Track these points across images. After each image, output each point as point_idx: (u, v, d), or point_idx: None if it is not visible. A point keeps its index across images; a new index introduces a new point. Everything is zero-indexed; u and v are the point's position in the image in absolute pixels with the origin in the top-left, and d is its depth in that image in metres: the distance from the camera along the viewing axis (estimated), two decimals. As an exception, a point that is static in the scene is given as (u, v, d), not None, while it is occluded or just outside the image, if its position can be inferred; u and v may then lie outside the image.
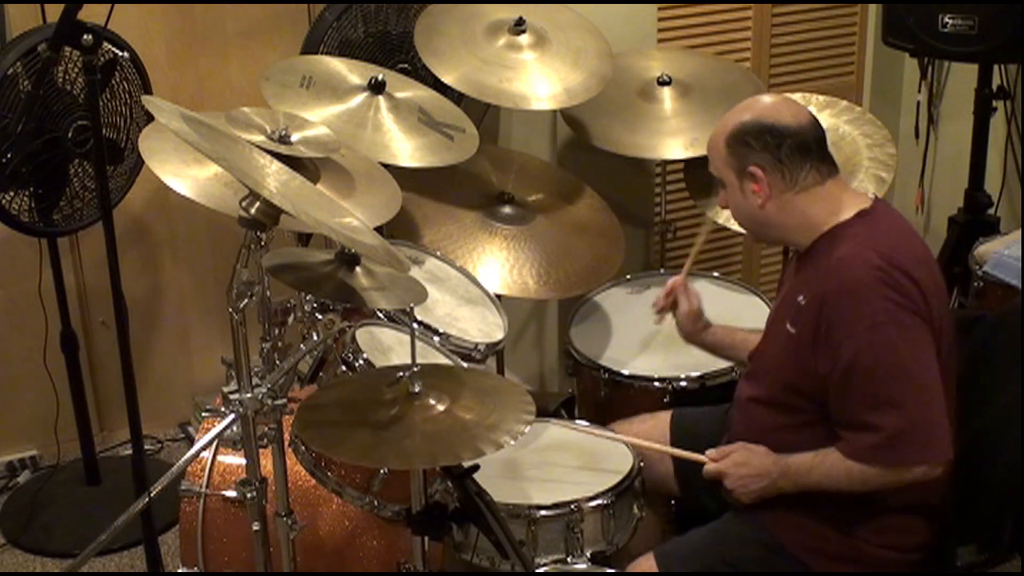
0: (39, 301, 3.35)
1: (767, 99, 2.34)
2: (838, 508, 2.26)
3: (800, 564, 2.29)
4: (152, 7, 3.43)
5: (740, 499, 2.33)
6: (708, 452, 2.39)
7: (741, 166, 2.26)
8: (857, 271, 2.15)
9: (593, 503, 2.39)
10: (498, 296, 2.95)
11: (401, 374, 2.12)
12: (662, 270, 3.49)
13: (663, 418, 2.65)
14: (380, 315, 2.68)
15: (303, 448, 2.38)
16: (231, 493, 2.49)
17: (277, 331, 2.52)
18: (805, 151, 2.24)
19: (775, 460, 2.29)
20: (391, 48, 3.32)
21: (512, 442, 2.02)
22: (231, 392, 2.15)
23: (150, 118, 2.84)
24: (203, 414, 2.57)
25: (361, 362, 2.46)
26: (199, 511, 2.54)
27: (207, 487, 2.54)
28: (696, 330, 2.67)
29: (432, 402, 2.09)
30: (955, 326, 2.30)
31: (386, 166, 2.89)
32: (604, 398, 2.92)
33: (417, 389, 2.09)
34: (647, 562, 2.35)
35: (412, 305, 2.26)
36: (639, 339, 3.04)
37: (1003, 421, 2.31)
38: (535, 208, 3.20)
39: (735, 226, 3.19)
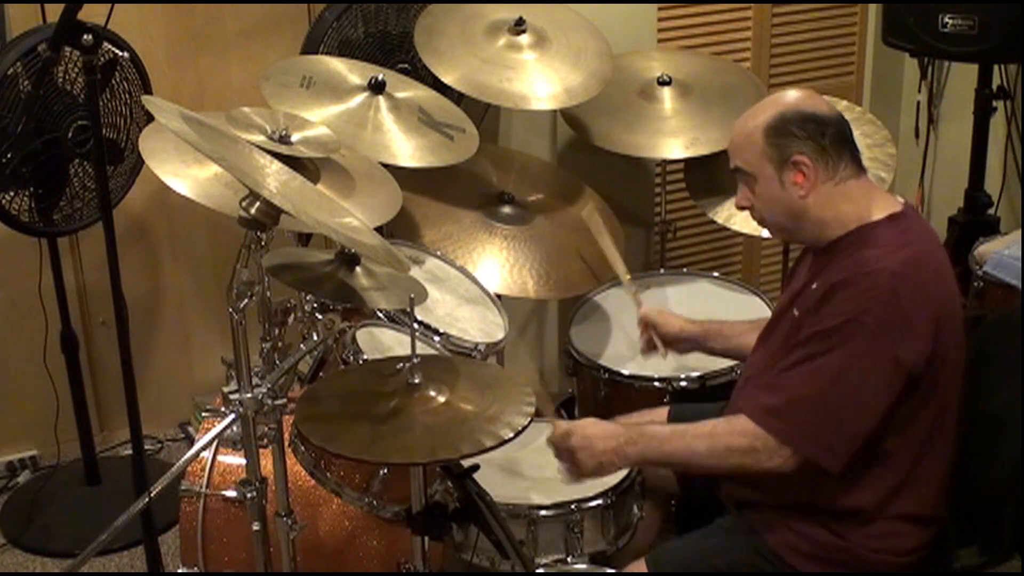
0: (39, 301, 3.35)
1: (798, 92, 2.29)
2: (831, 513, 2.25)
3: (792, 569, 2.28)
4: (152, 7, 3.43)
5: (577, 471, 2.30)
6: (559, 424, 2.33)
7: (783, 156, 2.21)
8: (874, 271, 2.13)
9: (593, 503, 2.39)
10: (498, 296, 2.95)
11: (401, 365, 2.12)
12: (662, 270, 3.49)
13: (661, 413, 2.65)
14: (380, 315, 2.68)
15: (303, 448, 2.38)
16: (231, 493, 2.49)
17: (277, 331, 2.52)
18: (844, 141, 2.22)
19: (617, 446, 2.24)
20: (391, 48, 3.32)
21: (512, 434, 2.01)
22: (231, 392, 2.15)
23: (150, 118, 2.84)
24: (203, 414, 2.58)
25: (361, 362, 2.46)
26: (199, 511, 2.54)
27: (207, 487, 2.54)
28: (682, 330, 2.68)
29: (432, 394, 2.09)
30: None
31: (386, 166, 2.89)
32: (604, 398, 2.92)
33: (417, 381, 2.09)
34: (639, 568, 2.34)
35: (412, 296, 2.24)
36: (639, 339, 3.03)
37: (1003, 421, 2.31)
38: (535, 208, 3.20)
39: (735, 225, 3.22)
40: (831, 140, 2.20)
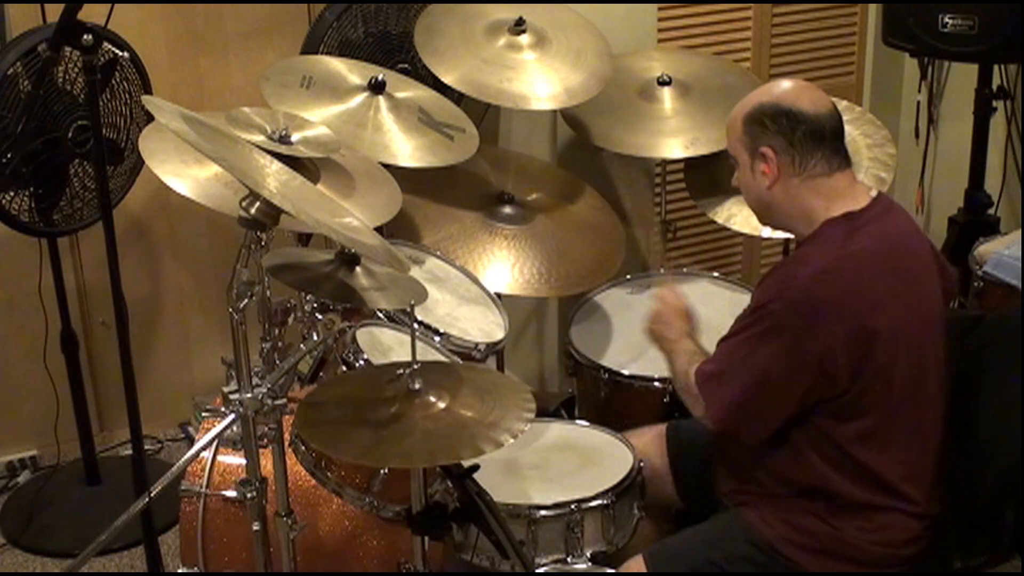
0: (39, 301, 3.35)
1: (789, 83, 2.34)
2: (825, 503, 2.27)
3: (789, 561, 2.29)
4: (152, 7, 3.43)
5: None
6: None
7: (754, 146, 2.28)
8: (800, 263, 2.24)
9: (593, 503, 2.39)
10: (498, 295, 2.95)
11: (401, 371, 2.12)
12: (662, 270, 3.49)
13: (661, 429, 2.66)
14: (380, 315, 2.68)
15: (303, 448, 2.38)
16: (231, 493, 2.49)
17: (277, 331, 2.52)
18: (818, 139, 2.25)
19: (682, 334, 2.46)
20: (391, 48, 3.32)
21: (512, 440, 2.01)
22: (231, 392, 2.15)
23: (150, 118, 2.84)
24: (203, 414, 2.57)
25: (361, 362, 2.46)
26: (199, 511, 2.53)
27: (207, 487, 2.54)
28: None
29: (432, 400, 2.09)
30: (950, 330, 2.31)
31: (386, 166, 2.89)
32: (604, 398, 2.92)
33: (417, 387, 2.09)
34: (636, 563, 2.36)
35: (413, 301, 2.25)
36: (639, 339, 3.03)
37: (1003, 421, 2.31)
38: (535, 208, 3.20)
39: (735, 225, 3.22)
40: (802, 136, 2.24)
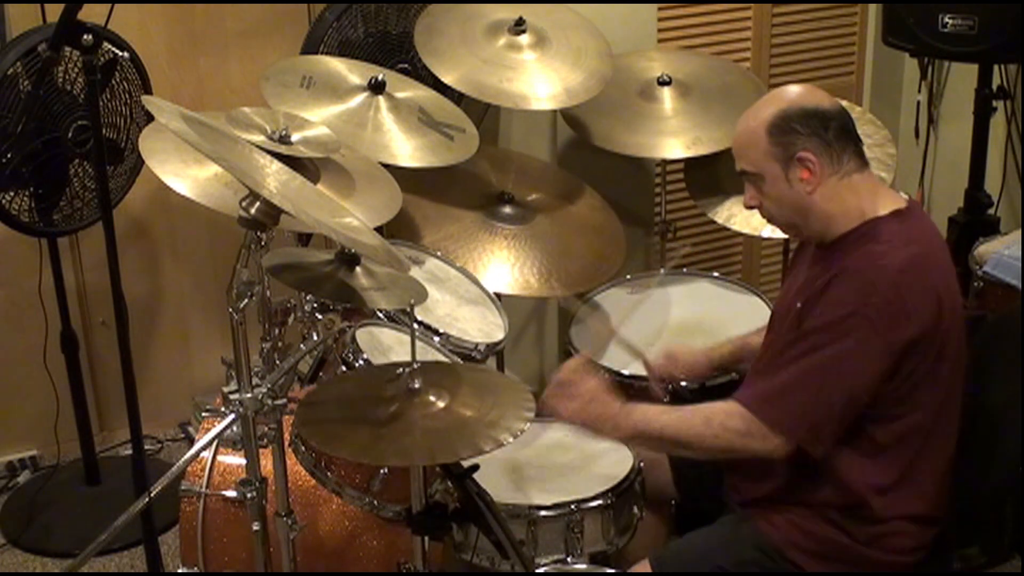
0: (39, 301, 3.35)
1: (797, 88, 2.29)
2: (834, 512, 2.25)
3: (796, 567, 2.29)
4: (152, 7, 3.43)
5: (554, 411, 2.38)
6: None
7: (788, 153, 2.21)
8: (879, 266, 2.14)
9: (593, 503, 2.39)
10: (498, 296, 2.95)
11: (401, 370, 2.12)
12: (662, 270, 3.49)
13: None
14: (380, 315, 2.68)
15: (303, 448, 2.38)
16: (231, 493, 2.49)
17: (277, 331, 2.52)
18: (848, 133, 2.22)
19: (615, 413, 2.30)
20: (391, 48, 3.32)
21: (511, 439, 2.01)
22: (231, 392, 2.15)
23: (150, 118, 2.84)
24: (203, 414, 2.57)
25: (361, 362, 2.46)
26: (199, 511, 2.53)
27: (207, 487, 2.54)
28: (698, 361, 2.67)
29: (432, 399, 2.09)
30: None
31: (386, 166, 2.89)
32: (604, 398, 2.92)
33: (417, 386, 2.09)
34: (642, 567, 2.34)
35: (413, 301, 2.25)
36: (639, 339, 3.03)
37: (1003, 421, 2.31)
38: (535, 208, 3.20)
39: (735, 226, 3.22)
40: (835, 134, 2.20)
